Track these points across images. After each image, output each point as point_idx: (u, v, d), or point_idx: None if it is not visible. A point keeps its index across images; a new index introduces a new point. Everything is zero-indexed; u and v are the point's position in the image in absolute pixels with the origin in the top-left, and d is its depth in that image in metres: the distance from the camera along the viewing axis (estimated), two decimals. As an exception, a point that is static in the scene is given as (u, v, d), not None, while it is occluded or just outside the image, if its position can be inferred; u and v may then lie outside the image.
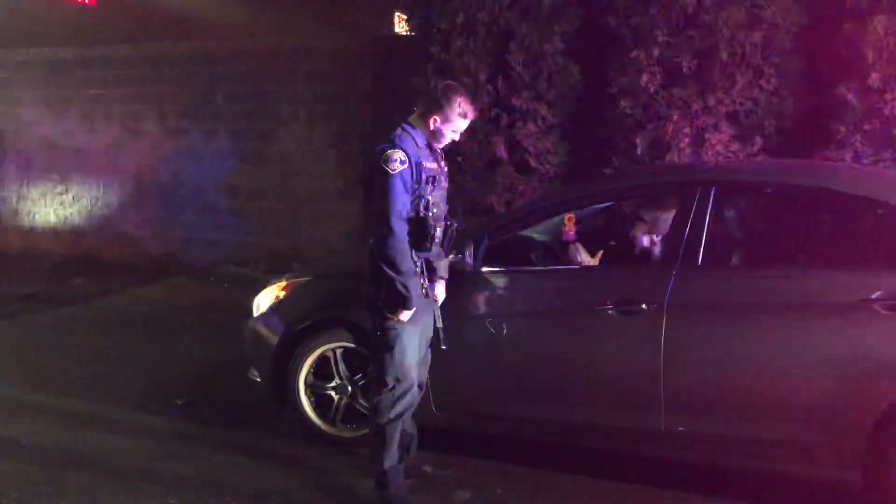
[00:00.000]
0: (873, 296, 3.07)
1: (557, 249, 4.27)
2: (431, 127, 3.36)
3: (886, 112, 5.24)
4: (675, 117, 5.67)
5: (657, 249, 3.95)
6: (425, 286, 3.36)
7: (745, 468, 3.45)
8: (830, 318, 3.15)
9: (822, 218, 3.55)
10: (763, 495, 3.50)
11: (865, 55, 5.30)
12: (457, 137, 3.46)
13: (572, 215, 4.33)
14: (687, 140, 5.65)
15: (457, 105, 3.33)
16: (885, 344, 3.05)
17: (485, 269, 3.74)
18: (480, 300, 3.78)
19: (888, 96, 5.23)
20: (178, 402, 4.80)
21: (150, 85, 9.26)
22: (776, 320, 3.24)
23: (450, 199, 3.58)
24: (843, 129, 5.39)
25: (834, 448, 3.16)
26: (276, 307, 4.23)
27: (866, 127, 5.33)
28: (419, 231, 3.27)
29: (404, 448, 3.52)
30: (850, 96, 5.38)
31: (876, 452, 3.09)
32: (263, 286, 4.44)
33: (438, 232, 3.33)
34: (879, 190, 3.40)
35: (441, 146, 3.46)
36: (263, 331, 4.22)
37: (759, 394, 3.25)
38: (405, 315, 3.27)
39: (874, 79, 5.26)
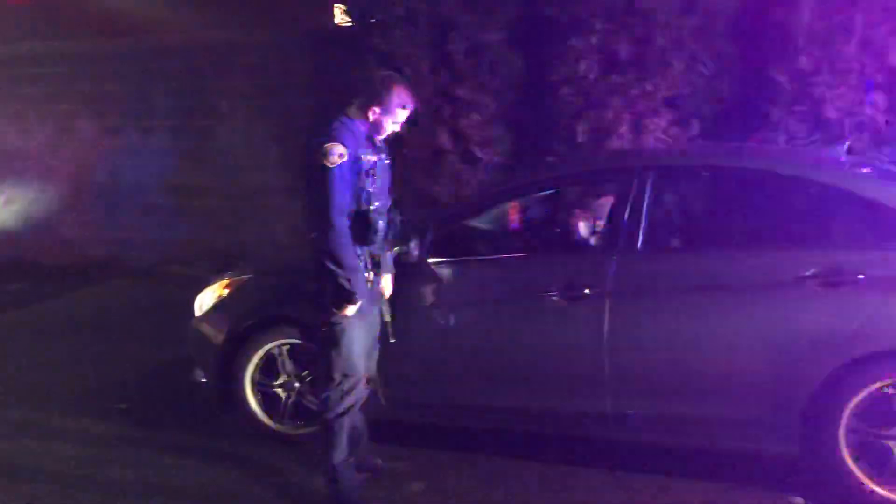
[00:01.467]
0: (808, 273, 3.15)
1: (502, 238, 4.28)
2: (371, 118, 3.32)
3: (816, 94, 5.37)
4: (614, 104, 5.74)
5: (599, 235, 3.99)
6: (370, 280, 3.33)
7: (691, 447, 3.51)
8: (768, 296, 3.22)
9: (758, 199, 3.63)
10: (711, 472, 3.58)
11: (796, 39, 5.43)
12: (397, 128, 3.42)
13: (517, 204, 4.36)
14: (627, 126, 5.72)
15: (396, 95, 3.30)
16: (819, 320, 3.13)
17: (431, 259, 3.74)
18: (427, 291, 3.77)
19: (818, 79, 5.37)
20: (122, 407, 4.70)
21: (85, 83, 9.01)
22: (716, 301, 3.30)
23: (394, 191, 3.56)
24: (776, 111, 5.52)
25: (774, 423, 3.25)
26: (219, 306, 4.17)
27: (798, 109, 5.47)
28: (361, 225, 3.23)
29: (354, 442, 3.50)
30: (782, 79, 5.51)
31: (811, 426, 3.18)
32: (207, 286, 4.37)
33: (382, 225, 3.30)
34: (811, 170, 3.49)
35: (381, 138, 3.43)
36: (207, 330, 4.16)
37: (701, 373, 3.32)
38: (350, 310, 3.24)
39: (804, 62, 5.40)
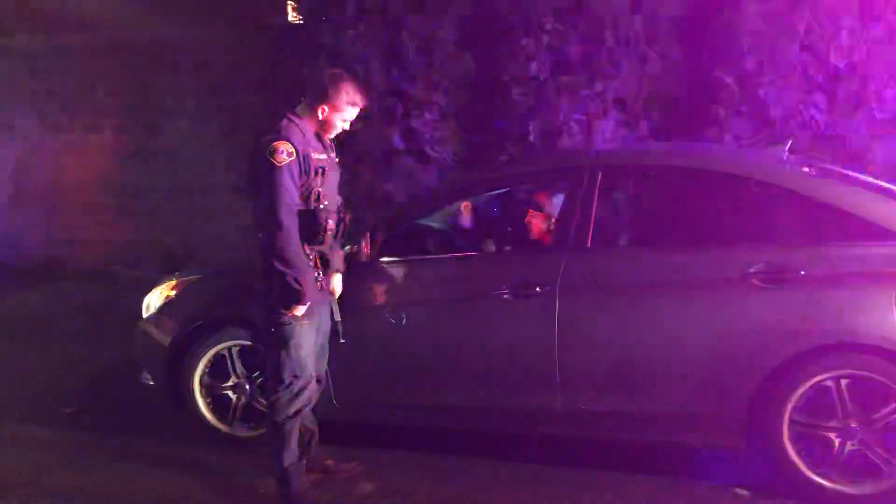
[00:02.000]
0: (752, 270, 3.22)
1: (454, 237, 4.29)
2: (320, 117, 3.29)
3: (762, 94, 5.50)
4: (564, 104, 5.80)
5: (550, 233, 4.02)
6: (320, 279, 3.31)
7: (641, 442, 3.57)
8: (713, 293, 3.27)
9: (704, 197, 3.69)
10: (660, 466, 3.63)
11: (741, 41, 5.55)
12: (347, 126, 3.40)
13: (468, 203, 4.37)
14: (577, 126, 5.79)
15: (344, 93, 3.27)
16: (763, 316, 3.20)
17: (382, 259, 3.73)
18: (379, 291, 3.76)
19: (763, 80, 5.50)
20: (68, 411, 4.59)
21: (26, 80, 8.79)
22: (664, 298, 3.35)
23: (346, 190, 3.54)
24: (722, 111, 5.64)
25: (720, 417, 3.31)
26: (167, 307, 4.10)
27: (744, 109, 5.59)
28: (311, 224, 3.20)
29: (305, 444, 3.47)
30: (728, 80, 5.63)
31: (756, 419, 3.25)
32: (155, 286, 4.29)
33: (331, 224, 3.27)
34: (755, 169, 3.56)
35: (331, 136, 3.40)
36: (155, 332, 4.09)
37: (649, 369, 3.36)
38: (299, 310, 3.21)
39: (749, 63, 5.52)
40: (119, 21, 9.11)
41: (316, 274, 3.27)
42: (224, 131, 8.13)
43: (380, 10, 6.29)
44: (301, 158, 3.17)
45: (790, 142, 3.97)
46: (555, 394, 3.47)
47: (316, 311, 3.33)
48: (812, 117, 5.50)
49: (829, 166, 4.14)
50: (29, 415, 4.54)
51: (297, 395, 3.32)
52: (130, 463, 3.89)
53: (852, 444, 3.15)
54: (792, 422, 3.21)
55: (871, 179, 3.88)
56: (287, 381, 3.29)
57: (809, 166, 3.76)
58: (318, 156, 3.27)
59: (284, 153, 3.12)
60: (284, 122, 3.24)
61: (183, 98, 8.25)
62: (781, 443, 3.22)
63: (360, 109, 3.37)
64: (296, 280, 3.14)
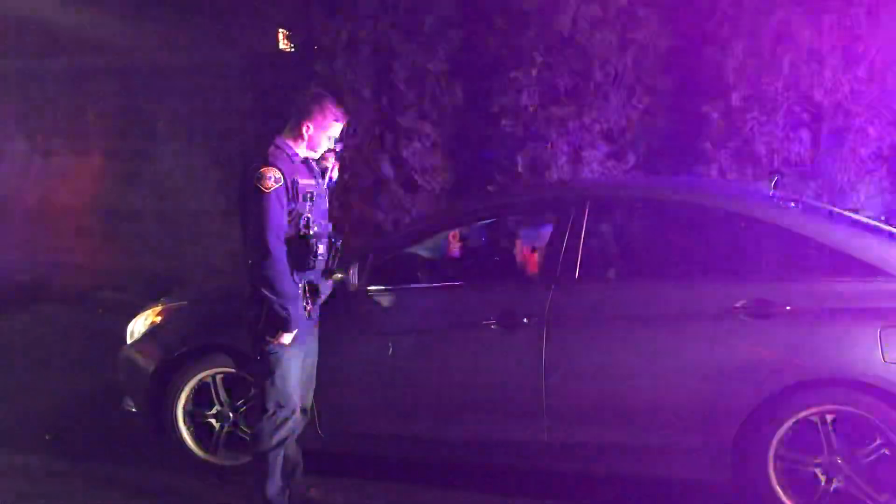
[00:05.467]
0: (738, 304, 3.24)
1: (443, 266, 4.29)
2: (305, 136, 3.30)
3: (747, 130, 5.56)
4: (553, 135, 5.84)
5: (538, 264, 4.03)
6: (308, 307, 3.29)
7: (626, 475, 3.54)
8: (700, 327, 3.29)
9: (691, 231, 3.72)
10: (647, 501, 3.61)
11: (727, 76, 5.62)
12: (332, 144, 3.41)
13: (456, 232, 4.38)
14: (565, 158, 5.83)
15: (328, 110, 3.30)
16: (749, 350, 3.21)
17: (370, 287, 3.72)
18: (366, 319, 3.75)
19: (748, 115, 5.56)
20: (48, 438, 4.52)
21: (17, 103, 8.77)
22: (651, 330, 3.35)
23: (334, 218, 3.54)
24: (709, 146, 5.70)
25: (707, 452, 3.30)
26: (152, 333, 4.07)
27: (730, 144, 5.65)
28: (300, 251, 3.20)
29: (288, 474, 3.44)
30: (714, 115, 5.69)
31: (742, 454, 3.25)
32: (140, 312, 4.25)
33: (322, 249, 3.27)
34: (742, 204, 3.60)
35: (318, 155, 3.41)
36: (139, 358, 4.05)
37: (636, 402, 3.36)
38: (286, 338, 3.19)
39: (735, 99, 5.59)
40: (110, 45, 9.14)
41: (304, 302, 3.26)
42: (214, 157, 8.13)
43: (371, 40, 6.34)
44: (289, 184, 3.18)
45: (776, 178, 4.01)
46: (541, 425, 3.46)
47: (303, 341, 3.31)
48: (797, 153, 5.56)
49: (814, 202, 4.19)
50: (7, 441, 4.47)
51: (282, 424, 3.29)
52: (110, 492, 3.84)
53: (838, 481, 3.14)
54: (777, 457, 3.21)
55: (855, 216, 3.92)
56: (271, 411, 3.27)
57: (795, 202, 3.80)
58: (306, 181, 3.27)
59: (272, 179, 3.12)
60: (272, 148, 3.25)
61: (173, 123, 8.26)
62: (767, 478, 3.22)
63: (344, 125, 3.40)
64: (283, 308, 3.13)
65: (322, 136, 3.33)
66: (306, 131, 3.29)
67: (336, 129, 3.36)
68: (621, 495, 3.63)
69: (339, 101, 3.39)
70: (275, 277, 3.13)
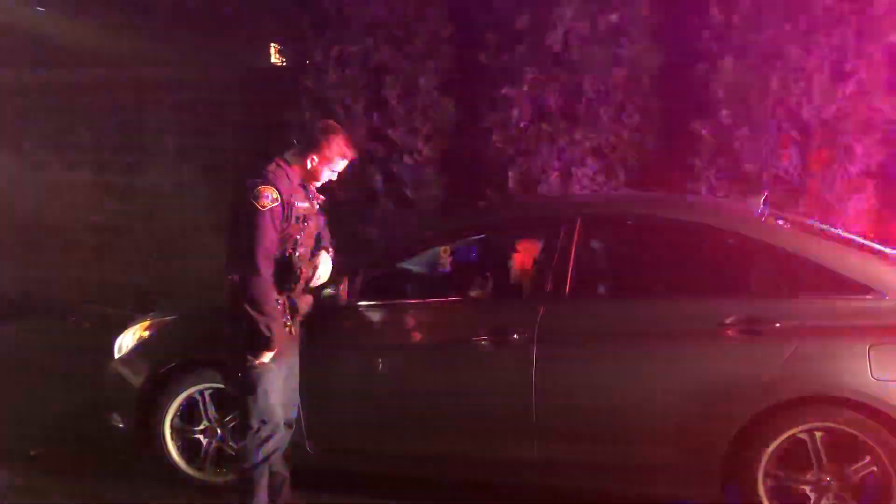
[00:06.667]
0: (727, 321, 3.24)
1: (433, 281, 4.28)
2: (309, 166, 3.30)
3: (737, 147, 5.58)
4: (543, 151, 5.86)
5: (528, 280, 4.03)
6: (289, 325, 3.28)
7: (615, 492, 3.53)
8: (690, 344, 3.29)
9: (681, 248, 3.72)
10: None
11: (717, 93, 5.65)
12: (334, 177, 3.42)
13: (447, 247, 4.37)
14: (555, 174, 5.84)
15: (336, 145, 3.30)
16: (739, 367, 3.21)
17: (360, 302, 3.71)
18: (356, 334, 3.74)
19: (738, 133, 5.59)
20: (33, 453, 4.48)
21: (5, 115, 8.73)
22: (641, 347, 3.36)
23: (326, 235, 3.53)
24: (698, 163, 5.71)
25: (697, 469, 3.29)
26: (140, 348, 4.04)
27: (719, 161, 5.67)
28: (285, 271, 3.20)
29: (275, 490, 3.41)
30: (704, 132, 5.71)
31: (732, 471, 3.24)
32: (128, 326, 4.22)
33: (306, 272, 3.27)
34: (731, 222, 3.61)
35: (318, 185, 3.41)
36: (126, 373, 4.03)
37: (625, 419, 3.35)
38: (267, 356, 3.18)
39: (725, 116, 5.61)
40: (101, 60, 9.14)
41: (286, 319, 3.25)
42: (204, 172, 8.11)
43: (363, 55, 6.35)
44: (284, 205, 3.17)
45: (766, 195, 4.03)
46: (531, 442, 3.45)
47: (285, 357, 3.29)
48: (785, 170, 5.59)
49: (803, 220, 4.20)
50: (-7, 456, 4.43)
51: (265, 441, 3.27)
52: (94, 509, 3.80)
53: (828, 500, 3.14)
54: (767, 475, 3.21)
55: (844, 233, 3.94)
56: (255, 427, 3.25)
57: (785, 219, 3.82)
58: (301, 204, 3.27)
59: (269, 198, 3.12)
60: (272, 165, 3.25)
61: (165, 137, 8.24)
62: (756, 496, 3.21)
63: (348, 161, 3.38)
64: (267, 326, 3.11)
65: (325, 170, 3.33)
66: (311, 162, 3.30)
67: (341, 164, 3.37)
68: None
69: (348, 137, 3.37)
70: (260, 296, 3.12)
